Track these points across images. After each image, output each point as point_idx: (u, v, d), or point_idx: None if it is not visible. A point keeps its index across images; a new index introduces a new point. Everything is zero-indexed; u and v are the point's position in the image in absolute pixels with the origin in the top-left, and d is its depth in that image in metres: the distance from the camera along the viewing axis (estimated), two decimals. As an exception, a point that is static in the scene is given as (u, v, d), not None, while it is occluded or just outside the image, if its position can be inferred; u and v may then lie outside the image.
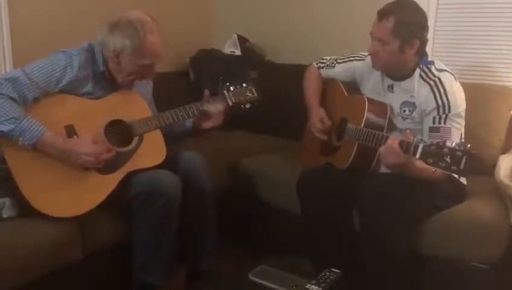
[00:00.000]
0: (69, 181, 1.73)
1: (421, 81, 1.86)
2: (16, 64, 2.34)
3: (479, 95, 2.21)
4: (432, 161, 1.50)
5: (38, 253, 1.63)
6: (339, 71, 2.15)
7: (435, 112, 1.80)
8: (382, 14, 1.81)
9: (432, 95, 1.82)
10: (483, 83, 2.40)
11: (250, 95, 2.09)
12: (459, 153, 1.44)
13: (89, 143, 1.73)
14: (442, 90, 1.80)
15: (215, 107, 1.98)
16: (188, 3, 3.23)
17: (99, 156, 1.72)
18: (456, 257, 1.79)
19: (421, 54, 1.87)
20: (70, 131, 1.77)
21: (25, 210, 1.70)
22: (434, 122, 1.80)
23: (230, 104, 2.04)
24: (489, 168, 1.99)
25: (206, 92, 2.02)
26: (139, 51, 1.79)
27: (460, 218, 1.80)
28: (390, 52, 1.82)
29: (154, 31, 1.81)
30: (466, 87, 1.89)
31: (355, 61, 2.10)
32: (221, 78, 2.84)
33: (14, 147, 1.67)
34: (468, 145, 1.45)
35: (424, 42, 1.85)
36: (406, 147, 1.58)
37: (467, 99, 1.84)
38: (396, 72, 1.91)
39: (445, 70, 1.86)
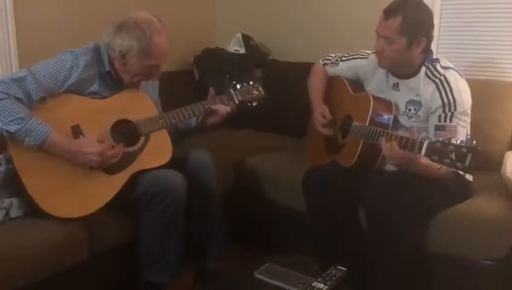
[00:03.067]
0: (76, 182, 1.74)
1: (427, 79, 1.85)
2: (21, 65, 2.35)
3: (485, 92, 2.20)
4: (436, 157, 1.49)
5: (45, 253, 1.64)
6: (342, 69, 2.15)
7: (441, 110, 1.79)
8: (389, 12, 1.80)
9: (437, 93, 1.81)
10: (488, 80, 2.39)
11: (256, 93, 2.10)
12: (464, 150, 1.44)
13: (93, 142, 1.73)
14: (447, 88, 1.80)
15: (221, 107, 1.99)
16: (191, 2, 3.23)
17: (104, 154, 1.72)
18: (462, 254, 1.78)
19: (427, 51, 1.86)
20: (76, 131, 1.77)
21: (33, 210, 1.71)
22: (440, 121, 1.79)
23: (237, 102, 2.04)
24: (496, 165, 1.99)
25: (212, 91, 2.02)
26: (146, 52, 1.79)
27: (466, 215, 1.80)
28: (397, 51, 1.81)
29: (161, 32, 1.81)
30: (471, 83, 1.88)
31: (358, 60, 2.09)
32: (227, 76, 2.85)
33: (21, 147, 1.68)
34: (474, 142, 1.44)
35: (430, 40, 1.84)
36: (411, 145, 1.58)
37: (472, 96, 1.84)
38: (402, 70, 1.91)
39: (451, 68, 1.86)
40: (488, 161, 2.05)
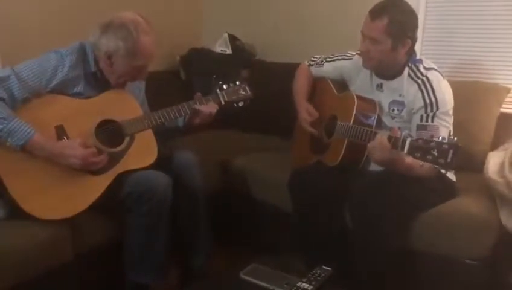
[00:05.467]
0: (59, 183, 1.72)
1: (410, 79, 1.87)
2: (3, 64, 2.32)
3: (468, 93, 2.22)
4: (419, 154, 1.51)
5: (28, 254, 1.62)
6: (327, 70, 2.16)
7: (423, 110, 1.81)
8: (375, 14, 1.81)
9: (419, 94, 1.83)
10: (472, 81, 2.41)
11: (243, 93, 2.09)
12: (445, 146, 1.46)
13: (77, 146, 1.71)
14: (429, 89, 1.82)
15: (206, 108, 1.98)
16: (178, 2, 3.22)
17: (87, 159, 1.71)
18: (446, 253, 1.80)
19: (411, 52, 1.88)
20: (60, 132, 1.75)
21: (15, 211, 1.68)
22: (422, 120, 1.81)
23: (223, 102, 2.04)
24: (479, 165, 2.01)
25: (198, 95, 2.01)
26: (132, 53, 1.78)
27: (450, 214, 1.81)
28: (382, 52, 1.82)
29: (148, 32, 1.80)
30: (455, 84, 1.90)
31: (343, 61, 2.11)
32: (214, 76, 2.84)
33: (3, 148, 1.66)
34: (455, 139, 1.46)
35: (414, 41, 1.86)
36: (394, 142, 1.60)
37: (456, 97, 1.85)
38: (386, 71, 1.92)
39: (433, 69, 1.87)
40: (471, 161, 2.08)
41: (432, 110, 1.80)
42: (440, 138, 1.48)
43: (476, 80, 2.43)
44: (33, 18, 2.49)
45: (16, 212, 1.68)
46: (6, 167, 1.67)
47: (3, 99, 1.66)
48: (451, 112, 1.83)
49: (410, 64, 1.88)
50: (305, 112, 2.13)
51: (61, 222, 1.70)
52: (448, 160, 1.45)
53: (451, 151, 1.44)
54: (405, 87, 1.87)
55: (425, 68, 1.87)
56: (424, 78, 1.84)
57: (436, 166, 1.49)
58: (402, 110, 1.89)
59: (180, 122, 2.06)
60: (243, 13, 3.25)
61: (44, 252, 1.66)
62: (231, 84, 2.09)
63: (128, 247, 1.85)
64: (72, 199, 1.72)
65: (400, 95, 1.89)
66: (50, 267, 1.69)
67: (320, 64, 2.19)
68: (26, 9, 2.47)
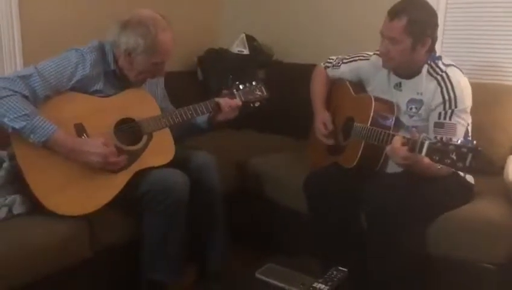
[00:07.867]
0: (78, 180, 1.74)
1: (429, 76, 1.85)
2: (26, 64, 2.36)
3: (489, 95, 2.20)
4: (437, 158, 1.49)
5: (47, 250, 1.65)
6: (344, 71, 2.15)
7: (441, 107, 1.79)
8: (394, 13, 1.79)
9: (439, 90, 1.80)
10: (492, 83, 2.38)
11: (259, 93, 2.10)
12: (464, 150, 1.44)
13: (99, 144, 1.73)
14: (449, 85, 1.79)
15: (230, 102, 1.99)
16: (196, 3, 3.24)
17: (107, 158, 1.73)
18: (463, 257, 1.78)
19: (431, 51, 1.86)
20: (80, 129, 1.78)
21: (35, 207, 1.72)
22: (439, 118, 1.79)
23: (240, 102, 2.05)
24: (499, 169, 1.98)
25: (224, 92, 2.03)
26: (152, 49, 1.80)
27: (468, 218, 1.79)
28: (402, 51, 1.81)
29: (166, 29, 1.82)
30: (475, 86, 1.87)
31: (359, 61, 2.09)
32: (231, 76, 2.86)
33: (25, 144, 1.68)
34: (474, 142, 1.45)
35: (434, 40, 1.84)
36: (412, 145, 1.58)
37: (476, 99, 1.83)
38: (406, 70, 1.90)
39: (453, 65, 1.85)
40: (492, 165, 2.05)
41: (450, 108, 1.77)
42: (459, 141, 1.47)
43: (496, 81, 2.40)
44: (55, 20, 2.53)
45: (36, 209, 1.71)
46: (28, 163, 1.70)
47: (26, 97, 1.69)
48: (469, 109, 1.80)
49: (429, 62, 1.86)
50: (321, 124, 2.12)
51: (80, 218, 1.73)
52: (467, 164, 1.43)
53: (470, 155, 1.43)
54: (424, 84, 1.85)
55: (444, 64, 1.84)
56: (444, 74, 1.82)
57: (454, 169, 1.47)
58: (420, 108, 1.87)
59: (200, 119, 2.07)
60: (260, 14, 3.25)
61: (63, 248, 1.69)
62: (247, 84, 2.10)
63: (145, 245, 1.86)
64: (91, 195, 1.74)
65: (418, 93, 1.87)
66: (68, 264, 1.72)
67: (337, 65, 2.18)
68: (48, 12, 2.51)
